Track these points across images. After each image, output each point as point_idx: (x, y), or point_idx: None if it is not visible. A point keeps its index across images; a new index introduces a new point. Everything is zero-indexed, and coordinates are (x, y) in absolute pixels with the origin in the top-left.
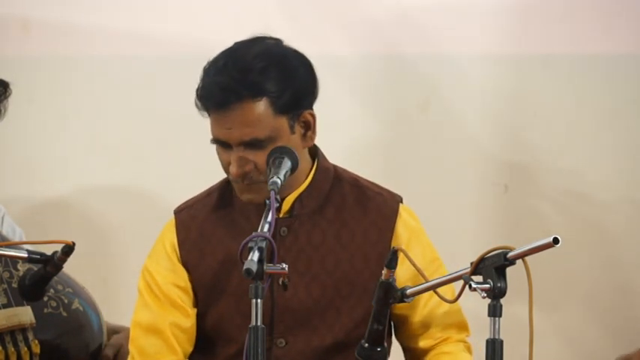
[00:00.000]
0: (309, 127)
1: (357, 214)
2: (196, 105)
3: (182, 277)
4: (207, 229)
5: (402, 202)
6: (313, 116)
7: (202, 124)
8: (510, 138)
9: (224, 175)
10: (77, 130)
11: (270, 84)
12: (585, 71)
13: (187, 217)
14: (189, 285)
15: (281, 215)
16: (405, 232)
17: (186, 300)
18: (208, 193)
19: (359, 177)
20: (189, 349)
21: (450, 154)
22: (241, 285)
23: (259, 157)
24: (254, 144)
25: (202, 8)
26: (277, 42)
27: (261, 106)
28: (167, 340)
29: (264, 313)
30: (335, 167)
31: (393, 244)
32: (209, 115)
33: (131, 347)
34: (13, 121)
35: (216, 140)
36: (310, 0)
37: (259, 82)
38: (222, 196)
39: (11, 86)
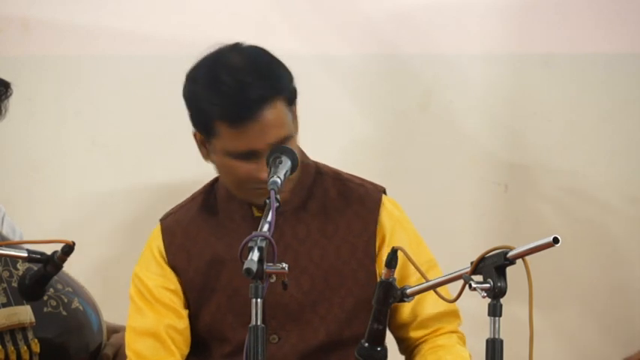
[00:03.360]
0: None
1: (340, 207)
2: (204, 128)
3: (172, 280)
4: (192, 231)
5: (384, 192)
6: None
7: None
8: (510, 138)
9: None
10: (77, 130)
11: (280, 79)
12: (585, 71)
13: (172, 222)
14: (179, 288)
15: None
16: (389, 221)
17: (177, 302)
18: (192, 198)
19: (340, 171)
20: (186, 350)
21: (449, 154)
22: (231, 283)
23: None
24: (281, 143)
25: (202, 8)
26: (242, 44)
27: (283, 102)
28: (164, 342)
29: None
30: (316, 163)
31: (378, 233)
32: (232, 129)
33: (128, 352)
34: (14, 121)
35: (243, 154)
36: (309, 0)
37: (274, 77)
38: (206, 199)
39: (11, 86)
